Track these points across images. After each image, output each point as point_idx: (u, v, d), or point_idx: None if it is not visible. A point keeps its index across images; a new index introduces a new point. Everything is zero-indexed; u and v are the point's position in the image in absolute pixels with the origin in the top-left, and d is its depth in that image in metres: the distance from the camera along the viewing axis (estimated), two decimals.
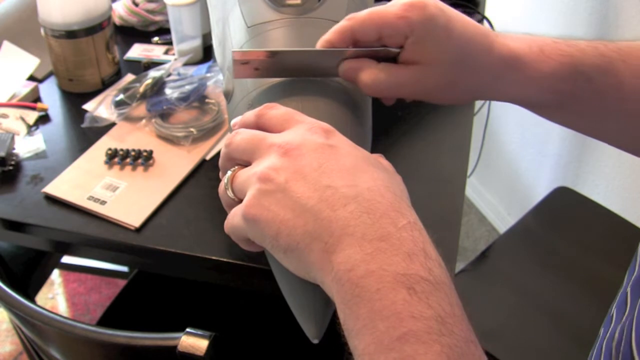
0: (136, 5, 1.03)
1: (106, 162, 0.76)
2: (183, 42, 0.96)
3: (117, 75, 0.93)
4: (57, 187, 0.73)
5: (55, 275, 1.74)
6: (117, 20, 1.04)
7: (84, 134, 0.82)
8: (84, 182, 0.73)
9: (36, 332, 0.66)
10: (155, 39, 1.03)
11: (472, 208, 2.01)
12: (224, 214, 0.44)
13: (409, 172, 0.49)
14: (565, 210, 1.25)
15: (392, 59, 0.51)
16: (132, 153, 0.76)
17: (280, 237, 0.38)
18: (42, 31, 0.87)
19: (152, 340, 0.57)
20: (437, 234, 0.38)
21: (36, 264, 1.05)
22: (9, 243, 1.01)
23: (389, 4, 0.50)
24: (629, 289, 0.47)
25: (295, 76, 0.53)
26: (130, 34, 1.04)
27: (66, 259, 1.58)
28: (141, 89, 0.84)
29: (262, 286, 0.67)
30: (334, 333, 0.38)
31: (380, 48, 0.50)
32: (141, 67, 0.95)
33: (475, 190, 2.01)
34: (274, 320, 0.95)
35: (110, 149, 0.77)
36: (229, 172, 0.43)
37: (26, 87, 0.89)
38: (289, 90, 0.52)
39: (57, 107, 0.88)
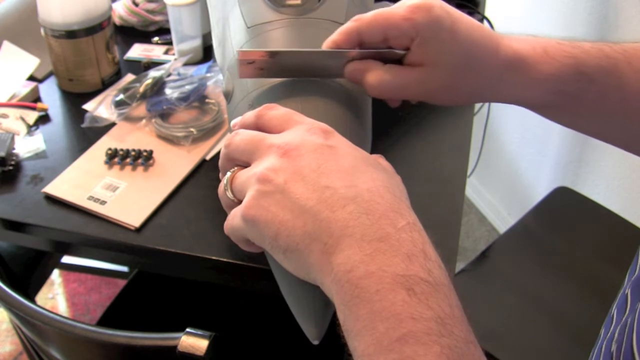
0: (136, 5, 1.03)
1: (106, 162, 0.76)
2: (183, 42, 0.95)
3: (117, 75, 0.93)
4: (57, 187, 0.73)
5: (55, 275, 1.74)
6: (117, 20, 1.04)
7: (84, 134, 0.82)
8: (84, 182, 0.73)
9: (36, 332, 0.66)
10: (155, 39, 1.03)
11: (472, 208, 2.01)
12: (224, 214, 0.44)
13: (409, 173, 0.49)
14: (565, 210, 1.25)
15: (398, 60, 0.51)
16: (132, 153, 0.76)
17: (280, 238, 0.38)
18: (42, 31, 0.87)
19: (152, 340, 0.57)
20: (437, 235, 0.38)
21: (36, 264, 1.05)
22: (9, 243, 1.01)
23: (395, 5, 0.50)
24: (629, 290, 0.47)
25: (299, 76, 0.53)
26: (130, 34, 1.04)
27: (66, 259, 1.58)
28: (141, 89, 0.84)
29: (262, 286, 0.67)
30: (333, 334, 0.38)
31: (386, 50, 0.50)
32: (141, 67, 0.95)
33: (475, 190, 2.01)
34: (274, 321, 0.95)
35: (110, 149, 0.77)
36: (229, 173, 0.43)
37: (26, 87, 0.89)
38: (289, 91, 0.52)
39: (57, 107, 0.88)
